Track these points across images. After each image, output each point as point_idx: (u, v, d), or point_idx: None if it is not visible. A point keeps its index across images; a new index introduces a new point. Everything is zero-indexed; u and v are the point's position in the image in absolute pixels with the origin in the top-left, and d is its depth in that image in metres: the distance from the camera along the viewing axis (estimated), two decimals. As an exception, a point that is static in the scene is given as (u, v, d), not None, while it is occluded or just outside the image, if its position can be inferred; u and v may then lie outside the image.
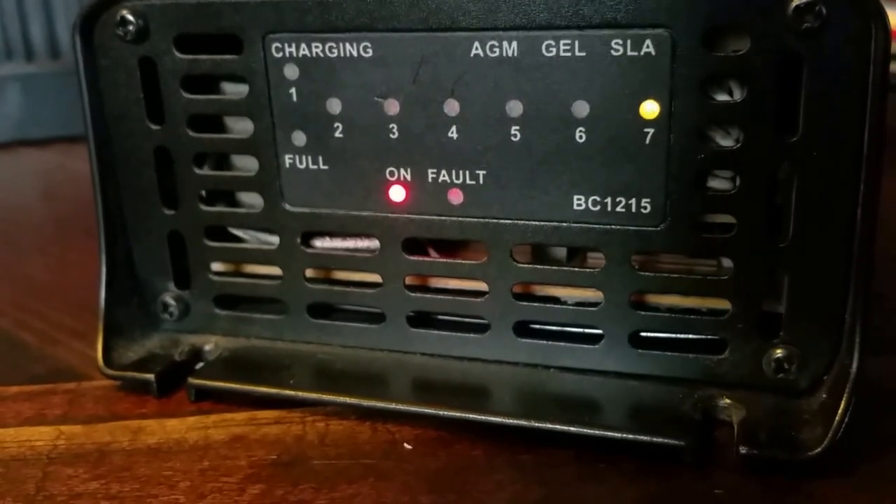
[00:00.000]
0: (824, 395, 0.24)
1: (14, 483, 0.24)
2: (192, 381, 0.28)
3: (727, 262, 0.25)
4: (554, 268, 0.26)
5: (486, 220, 0.26)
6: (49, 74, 0.65)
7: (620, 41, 0.23)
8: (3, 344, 0.33)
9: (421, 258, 0.28)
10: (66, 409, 0.28)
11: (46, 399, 0.29)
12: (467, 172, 0.26)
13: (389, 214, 0.27)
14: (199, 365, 0.29)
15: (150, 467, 0.25)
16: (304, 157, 0.27)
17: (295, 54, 0.26)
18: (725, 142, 0.24)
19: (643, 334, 0.26)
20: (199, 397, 0.28)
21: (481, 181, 0.26)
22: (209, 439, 0.26)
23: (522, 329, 0.27)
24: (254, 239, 0.30)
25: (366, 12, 0.25)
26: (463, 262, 0.27)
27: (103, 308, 0.29)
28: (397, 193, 0.27)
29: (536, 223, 0.26)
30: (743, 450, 0.23)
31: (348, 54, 0.26)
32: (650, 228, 0.25)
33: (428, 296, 0.28)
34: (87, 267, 0.39)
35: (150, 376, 0.28)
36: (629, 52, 0.23)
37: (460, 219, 0.26)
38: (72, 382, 0.30)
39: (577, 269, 0.26)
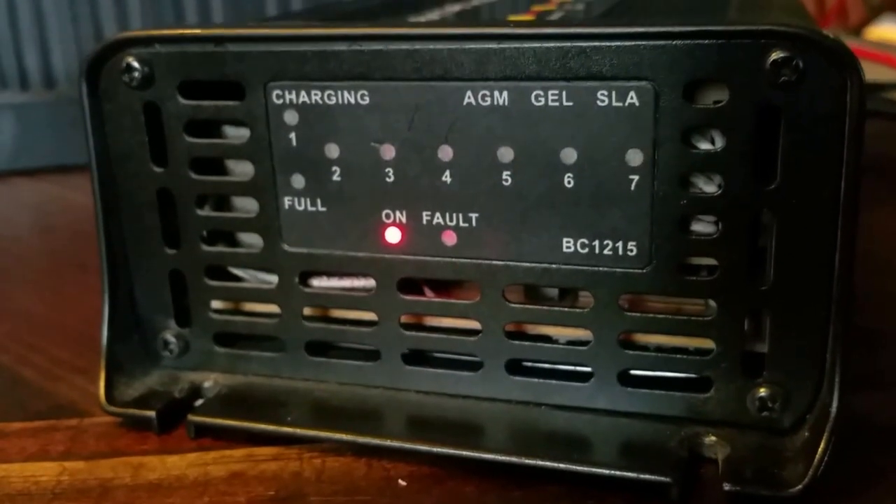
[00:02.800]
0: (807, 433, 0.25)
1: (19, 519, 0.25)
2: (192, 418, 0.28)
3: (712, 303, 0.26)
4: (545, 307, 0.27)
5: (479, 261, 0.27)
6: (44, 104, 0.64)
7: (606, 92, 0.24)
8: (4, 380, 0.33)
9: (416, 297, 0.28)
10: (68, 445, 0.28)
11: (49, 435, 0.29)
12: (461, 215, 0.27)
13: (385, 255, 0.28)
14: (199, 402, 0.30)
15: (151, 503, 0.25)
16: (302, 200, 0.28)
17: (295, 101, 0.27)
18: (708, 188, 0.25)
19: (632, 373, 0.27)
20: (198, 434, 0.28)
21: (474, 224, 0.27)
22: (209, 475, 0.27)
23: (514, 367, 0.28)
24: (253, 278, 0.30)
25: (363, 62, 0.26)
26: (457, 301, 0.28)
27: (105, 345, 0.30)
28: (393, 235, 0.27)
29: (527, 265, 0.26)
30: (727, 486, 0.24)
31: (346, 101, 0.26)
32: (636, 270, 0.26)
33: (422, 334, 0.29)
34: (84, 301, 0.39)
35: (152, 413, 0.29)
36: (614, 103, 0.24)
37: (454, 260, 0.27)
38: (73, 419, 0.30)
39: (567, 308, 0.27)
